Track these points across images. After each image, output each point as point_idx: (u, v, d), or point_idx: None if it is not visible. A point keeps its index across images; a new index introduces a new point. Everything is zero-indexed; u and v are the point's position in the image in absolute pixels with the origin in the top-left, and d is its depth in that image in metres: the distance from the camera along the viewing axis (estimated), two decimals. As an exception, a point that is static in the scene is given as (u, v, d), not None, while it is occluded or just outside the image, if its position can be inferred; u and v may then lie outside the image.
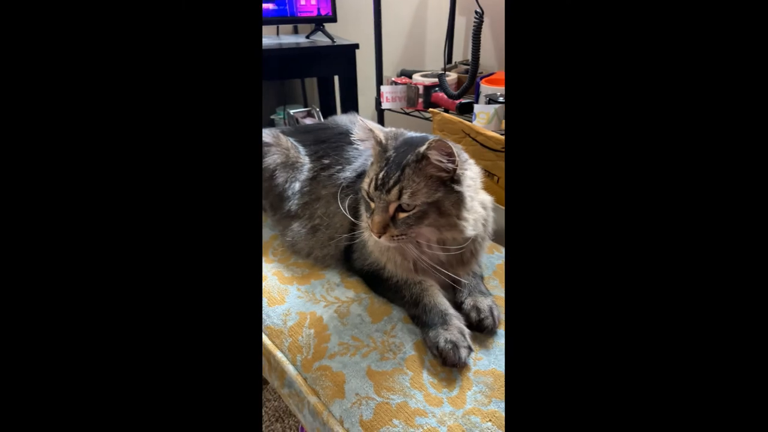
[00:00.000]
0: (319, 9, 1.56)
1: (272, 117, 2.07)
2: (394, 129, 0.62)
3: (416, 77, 1.37)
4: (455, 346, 0.52)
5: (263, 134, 0.79)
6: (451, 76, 1.31)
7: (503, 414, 0.48)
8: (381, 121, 1.49)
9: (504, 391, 0.49)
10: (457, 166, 0.52)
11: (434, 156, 0.51)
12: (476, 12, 1.05)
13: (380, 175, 0.54)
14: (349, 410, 0.50)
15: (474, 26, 1.07)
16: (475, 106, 1.13)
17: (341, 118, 0.87)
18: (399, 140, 0.58)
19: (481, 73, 1.25)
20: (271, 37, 1.72)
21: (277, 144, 0.78)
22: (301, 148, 0.79)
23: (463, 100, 1.21)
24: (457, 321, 0.55)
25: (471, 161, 0.59)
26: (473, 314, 0.57)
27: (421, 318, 0.57)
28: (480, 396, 0.50)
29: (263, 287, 0.69)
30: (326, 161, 0.74)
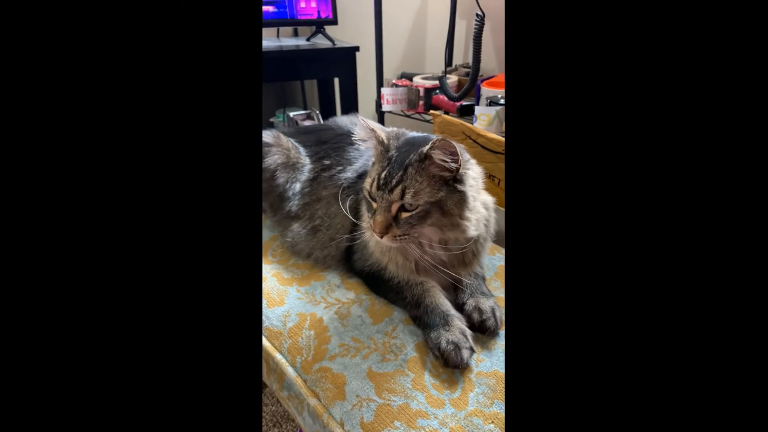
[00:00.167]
0: (319, 12, 1.56)
1: (272, 120, 2.07)
2: (395, 129, 0.62)
3: (417, 80, 1.37)
4: (457, 347, 0.51)
5: (264, 135, 0.79)
6: (452, 79, 1.32)
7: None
8: (381, 123, 1.48)
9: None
10: (460, 165, 0.51)
11: (438, 155, 0.50)
12: (477, 15, 1.06)
13: (382, 175, 0.54)
14: (350, 412, 0.49)
15: (475, 29, 1.07)
16: (476, 108, 1.13)
17: (342, 119, 0.86)
18: (401, 140, 0.58)
19: (482, 75, 1.25)
20: (271, 40, 1.72)
21: (278, 144, 0.77)
22: (301, 149, 0.78)
23: (464, 103, 1.21)
24: (458, 322, 0.55)
25: (473, 161, 0.59)
26: (475, 315, 0.57)
27: (422, 319, 0.56)
28: (482, 397, 0.49)
29: (262, 289, 0.68)
30: (327, 162, 0.74)
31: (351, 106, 1.63)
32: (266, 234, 0.81)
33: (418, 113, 1.37)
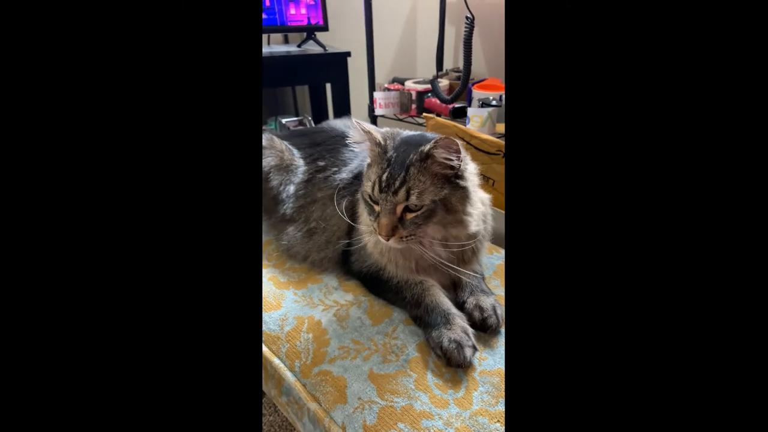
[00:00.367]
0: (309, 18, 1.56)
1: (264, 128, 2.06)
2: (389, 129, 0.61)
3: (408, 84, 1.37)
4: (459, 346, 0.50)
5: (257, 138, 0.78)
6: (443, 83, 1.32)
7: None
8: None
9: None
10: (462, 161, 0.51)
11: (441, 154, 0.50)
12: (467, 18, 1.07)
13: (384, 177, 0.53)
14: (352, 415, 0.48)
15: (465, 32, 1.08)
16: (469, 109, 1.13)
17: (336, 122, 0.86)
18: (397, 140, 0.57)
19: (473, 79, 1.26)
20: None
21: (271, 147, 0.77)
22: (295, 151, 0.78)
23: (456, 105, 1.22)
24: (460, 320, 0.54)
25: (468, 157, 0.58)
26: (476, 313, 0.56)
27: (423, 318, 0.56)
28: (487, 396, 0.48)
29: (259, 292, 0.67)
30: (322, 163, 0.73)
31: (343, 111, 1.63)
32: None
33: (411, 116, 1.37)
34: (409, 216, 0.52)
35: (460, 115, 1.21)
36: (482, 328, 0.56)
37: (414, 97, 1.32)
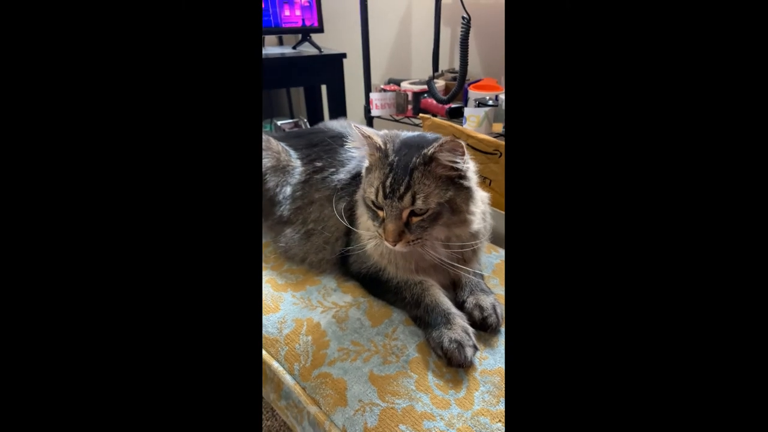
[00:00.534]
0: (304, 20, 1.56)
1: (259, 130, 2.05)
2: (387, 131, 0.61)
3: (404, 85, 1.37)
4: (460, 346, 0.50)
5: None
6: (439, 84, 1.32)
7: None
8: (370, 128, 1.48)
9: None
10: (466, 163, 0.51)
11: (446, 157, 0.50)
12: (463, 18, 1.07)
13: (387, 182, 0.52)
14: (353, 418, 0.48)
15: (462, 32, 1.08)
16: (466, 109, 1.13)
17: (332, 123, 0.86)
18: (397, 142, 0.56)
19: (468, 79, 1.26)
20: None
21: (268, 148, 0.76)
22: (292, 152, 0.77)
23: (453, 105, 1.22)
24: (460, 320, 0.54)
25: (468, 155, 0.58)
26: (476, 313, 0.56)
27: (423, 319, 0.55)
28: (488, 396, 0.48)
29: (257, 295, 0.66)
30: (319, 164, 0.73)
31: (339, 112, 1.63)
32: (258, 240, 0.79)
33: (407, 117, 1.37)
34: (415, 220, 0.52)
35: (456, 115, 1.21)
36: (482, 327, 0.55)
37: (410, 97, 1.32)
